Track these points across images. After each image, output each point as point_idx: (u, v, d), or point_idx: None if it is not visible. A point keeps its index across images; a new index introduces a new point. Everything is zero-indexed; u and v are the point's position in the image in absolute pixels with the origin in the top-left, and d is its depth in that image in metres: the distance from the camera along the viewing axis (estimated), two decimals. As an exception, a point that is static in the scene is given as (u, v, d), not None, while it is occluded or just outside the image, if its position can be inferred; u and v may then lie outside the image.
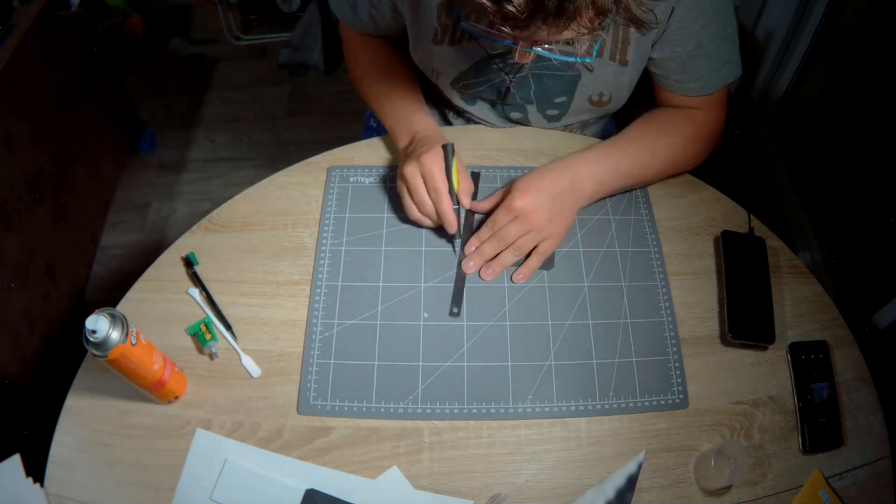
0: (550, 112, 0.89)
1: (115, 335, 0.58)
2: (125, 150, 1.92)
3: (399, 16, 0.83)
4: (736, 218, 0.85)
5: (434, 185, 0.74)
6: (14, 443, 0.66)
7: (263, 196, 0.86)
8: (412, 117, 0.85)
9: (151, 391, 0.66)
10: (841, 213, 1.54)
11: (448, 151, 0.75)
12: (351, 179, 0.87)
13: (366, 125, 1.18)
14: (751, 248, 0.80)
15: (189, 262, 0.79)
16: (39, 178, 1.44)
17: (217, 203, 0.85)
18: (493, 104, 0.91)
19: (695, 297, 0.78)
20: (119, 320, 0.59)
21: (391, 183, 0.86)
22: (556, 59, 0.62)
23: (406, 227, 0.82)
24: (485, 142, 0.91)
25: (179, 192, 1.91)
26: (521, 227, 0.75)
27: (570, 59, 0.64)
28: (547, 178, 0.76)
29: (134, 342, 0.60)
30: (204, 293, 0.77)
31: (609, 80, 0.81)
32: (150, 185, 1.92)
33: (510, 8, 0.48)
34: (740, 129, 1.88)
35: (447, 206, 0.74)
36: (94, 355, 0.58)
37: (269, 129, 2.06)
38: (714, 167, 0.90)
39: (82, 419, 0.68)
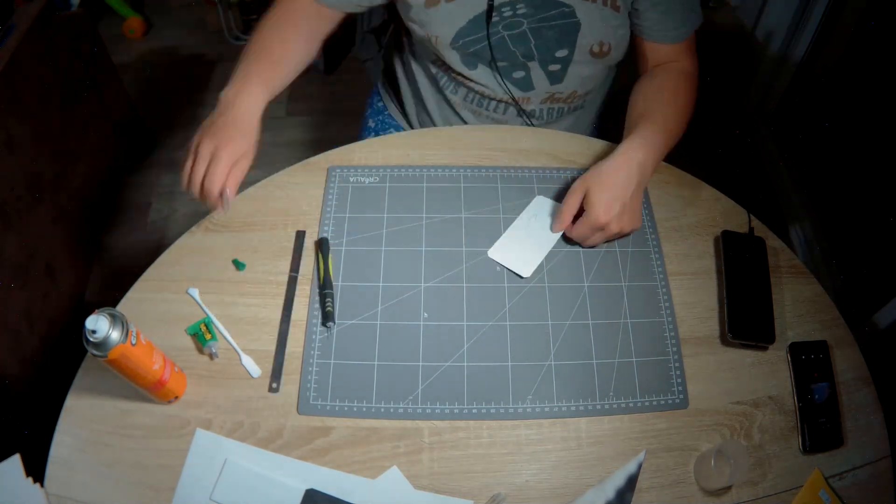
0: (553, 68, 0.90)
1: (115, 335, 0.58)
2: (125, 150, 1.92)
3: None
4: (736, 218, 0.85)
5: (214, 168, 0.73)
6: (14, 443, 0.66)
7: (263, 196, 0.86)
8: (251, 83, 0.81)
9: (151, 391, 0.66)
10: (841, 213, 1.54)
11: (324, 246, 0.78)
12: (351, 179, 0.87)
13: (364, 125, 1.18)
14: (751, 248, 0.80)
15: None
16: (39, 178, 1.44)
17: (217, 203, 0.85)
18: (493, 65, 0.90)
19: (695, 297, 0.78)
20: (119, 320, 0.59)
21: (391, 183, 0.86)
22: None
23: (406, 227, 0.82)
24: (485, 142, 0.92)
25: (179, 192, 1.90)
26: (606, 235, 0.78)
27: None
28: (621, 181, 0.76)
29: (134, 342, 0.60)
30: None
31: (606, 28, 0.84)
32: (150, 185, 1.92)
33: None
34: (740, 129, 1.88)
35: (213, 194, 0.73)
36: (94, 355, 0.58)
37: (269, 129, 2.04)
38: (714, 167, 0.90)
39: (82, 419, 0.68)
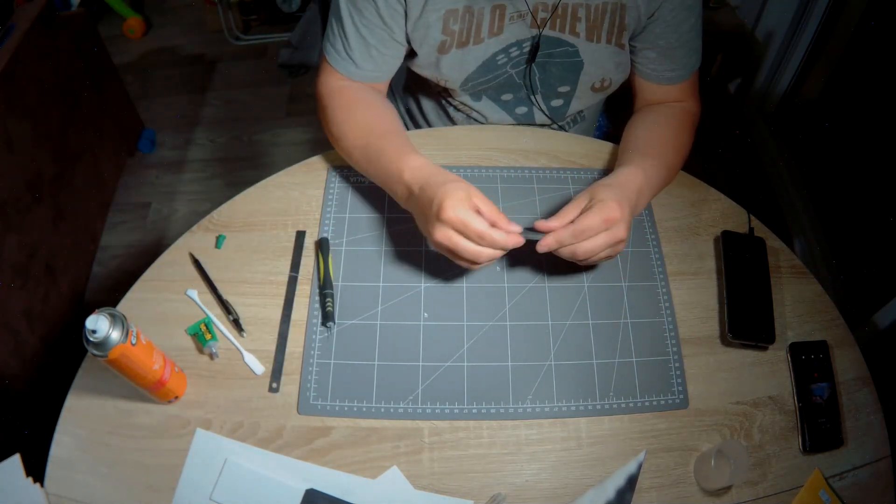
0: (555, 103, 0.91)
1: (115, 335, 0.58)
2: (125, 150, 1.92)
3: (398, 46, 0.82)
4: (736, 218, 0.85)
5: (476, 232, 0.64)
6: (14, 443, 0.66)
7: (263, 196, 0.86)
8: (404, 163, 0.73)
9: (151, 391, 0.66)
10: (841, 213, 1.54)
11: (324, 246, 0.77)
12: (351, 179, 0.87)
13: None
14: (751, 248, 0.80)
15: (196, 261, 0.79)
16: (39, 178, 1.44)
17: (217, 203, 0.85)
18: (497, 99, 0.91)
19: (695, 297, 0.78)
20: (119, 320, 0.59)
21: (391, 183, 0.86)
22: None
23: (406, 226, 0.82)
24: (485, 142, 0.91)
25: (179, 192, 1.91)
26: (607, 239, 0.67)
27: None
28: (631, 192, 0.71)
29: (134, 342, 0.60)
30: (213, 291, 0.77)
31: (609, 65, 0.84)
32: (150, 185, 1.92)
33: None
34: (740, 129, 1.88)
35: (505, 242, 0.65)
36: (95, 355, 0.58)
37: (269, 129, 2.06)
38: (714, 167, 0.90)
39: (82, 419, 0.68)
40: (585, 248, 0.67)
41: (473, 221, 0.64)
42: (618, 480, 0.65)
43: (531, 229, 0.69)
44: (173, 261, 0.80)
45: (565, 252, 0.69)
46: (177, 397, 0.69)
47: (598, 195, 0.69)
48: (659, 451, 0.68)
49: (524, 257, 0.79)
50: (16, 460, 0.65)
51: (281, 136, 2.04)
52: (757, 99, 1.87)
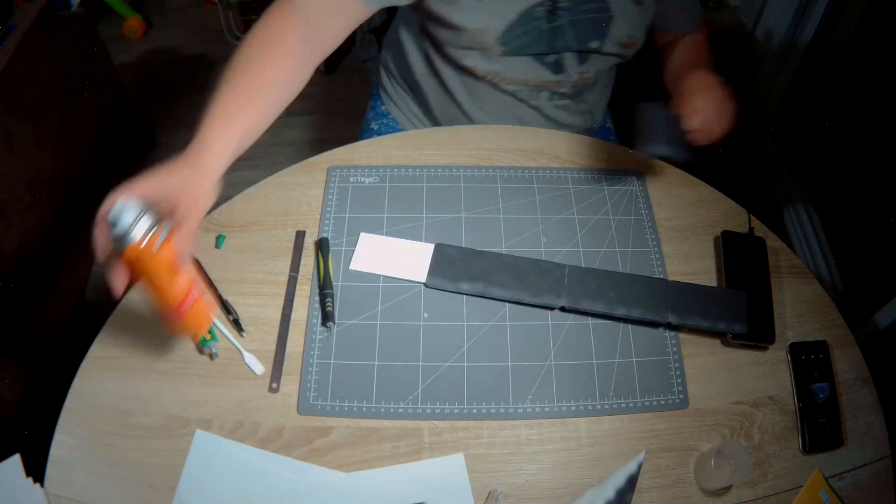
0: (583, 57, 0.92)
1: (137, 232, 0.50)
2: (125, 150, 1.92)
3: None
4: (736, 218, 0.85)
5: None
6: (14, 443, 0.66)
7: (263, 196, 0.86)
8: (215, 132, 0.67)
9: (168, 318, 0.59)
10: (841, 213, 1.54)
11: (324, 246, 0.78)
12: (351, 179, 0.87)
13: (367, 127, 1.18)
14: (751, 248, 0.80)
15: (196, 261, 0.78)
16: (39, 178, 1.44)
17: (217, 203, 0.85)
18: (533, 53, 0.89)
19: (695, 297, 0.78)
20: (148, 216, 0.51)
21: (391, 183, 0.86)
22: None
23: (406, 226, 0.82)
24: (485, 142, 0.92)
25: (179, 192, 1.91)
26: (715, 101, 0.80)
27: None
28: (712, 78, 0.82)
29: (157, 247, 0.52)
30: (213, 291, 0.77)
31: (634, 22, 0.88)
32: (150, 185, 1.92)
33: None
34: (740, 129, 1.88)
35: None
36: (114, 250, 0.52)
37: (269, 129, 2.05)
38: (714, 167, 0.90)
39: (82, 419, 0.68)
40: (705, 116, 0.78)
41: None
42: (618, 480, 0.65)
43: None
44: (173, 261, 0.80)
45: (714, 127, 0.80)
46: (196, 335, 0.63)
47: (688, 87, 0.81)
48: (659, 451, 0.68)
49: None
50: (16, 460, 0.65)
51: (281, 136, 2.04)
52: (757, 99, 1.87)
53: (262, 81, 0.70)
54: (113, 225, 0.50)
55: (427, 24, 0.89)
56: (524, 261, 0.77)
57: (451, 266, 0.77)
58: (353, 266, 0.78)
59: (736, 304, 0.74)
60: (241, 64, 0.70)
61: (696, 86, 0.81)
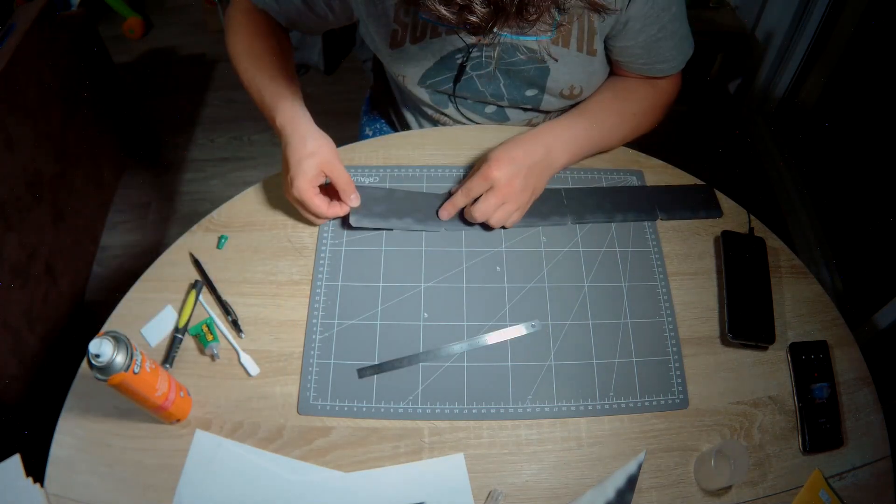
0: (524, 105, 0.90)
1: (119, 361, 0.57)
2: (125, 150, 1.92)
3: (348, 13, 0.84)
4: (736, 218, 0.85)
5: (312, 213, 0.78)
6: (14, 443, 0.66)
7: (263, 196, 0.86)
8: (277, 108, 0.82)
9: (152, 413, 0.65)
10: (841, 213, 1.54)
11: (197, 289, 0.77)
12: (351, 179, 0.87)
13: (362, 133, 1.18)
14: (751, 248, 0.80)
15: (196, 261, 0.79)
16: (39, 179, 1.44)
17: (217, 203, 0.85)
18: (464, 103, 0.90)
19: (695, 297, 0.78)
20: (123, 345, 0.57)
21: (391, 183, 0.86)
22: (519, 41, 0.69)
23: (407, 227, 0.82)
24: (485, 142, 0.91)
25: (179, 192, 1.91)
26: (496, 198, 0.76)
27: (530, 39, 0.70)
28: (521, 149, 0.78)
29: (137, 370, 0.58)
30: (212, 291, 0.77)
31: (579, 72, 0.82)
32: (150, 185, 1.92)
33: (473, 19, 0.48)
34: (740, 129, 1.88)
35: (336, 214, 0.79)
36: (96, 378, 0.57)
37: (269, 129, 2.05)
38: (714, 167, 0.90)
39: (82, 419, 0.68)
40: (479, 209, 0.76)
41: (310, 204, 0.75)
42: (618, 480, 0.65)
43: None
44: (173, 261, 0.80)
45: (469, 219, 0.79)
46: (178, 420, 0.68)
47: (489, 157, 0.78)
48: (659, 451, 0.68)
49: (525, 257, 0.80)
50: (16, 460, 0.65)
51: (281, 136, 2.04)
52: (757, 99, 1.87)
53: (275, 53, 0.85)
54: (96, 356, 0.56)
55: None
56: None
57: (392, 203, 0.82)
58: (353, 223, 0.79)
59: (707, 196, 0.85)
60: (252, 55, 0.85)
61: (488, 167, 0.76)
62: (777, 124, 1.84)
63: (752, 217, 0.84)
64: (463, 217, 0.81)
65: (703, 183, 0.87)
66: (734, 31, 1.80)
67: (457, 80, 0.85)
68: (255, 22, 0.86)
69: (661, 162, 0.90)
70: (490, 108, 0.91)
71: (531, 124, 0.94)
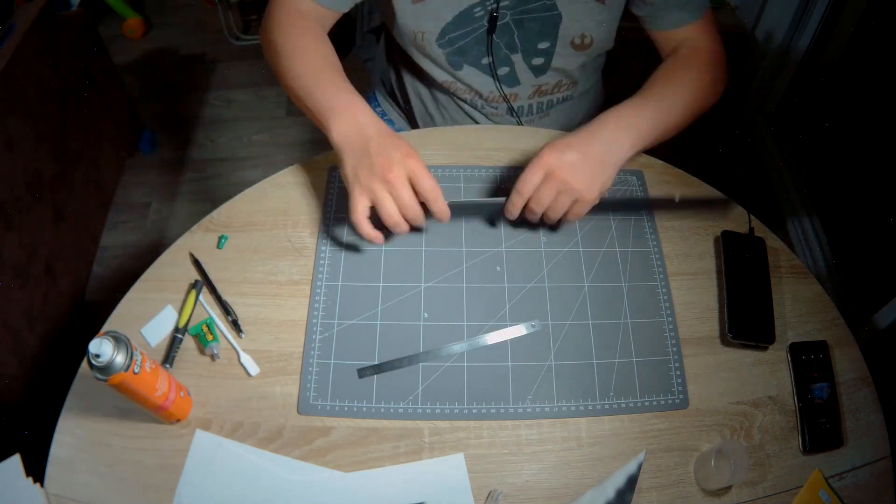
0: (536, 61, 0.90)
1: (119, 361, 0.57)
2: (125, 150, 1.92)
3: None
4: (736, 218, 0.85)
5: (428, 186, 0.68)
6: (14, 443, 0.66)
7: (263, 196, 0.86)
8: (354, 99, 0.73)
9: (152, 412, 0.65)
10: (841, 213, 1.54)
11: (198, 288, 0.76)
12: (351, 179, 0.87)
13: None
14: (751, 248, 0.80)
15: (196, 261, 0.79)
16: (39, 178, 1.44)
17: (217, 203, 0.85)
18: (479, 63, 0.90)
19: (695, 297, 0.78)
20: (123, 345, 0.57)
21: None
22: None
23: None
24: (485, 142, 0.92)
25: (179, 192, 1.91)
26: (552, 186, 0.70)
27: None
28: (579, 136, 0.72)
29: (137, 370, 0.58)
30: (212, 291, 0.77)
31: (588, 20, 0.83)
32: (150, 185, 1.92)
33: None
34: (740, 129, 1.88)
35: (442, 205, 0.69)
36: (96, 378, 0.57)
37: (269, 129, 2.06)
38: (714, 167, 0.90)
39: (82, 419, 0.68)
40: (536, 199, 0.71)
41: (426, 179, 0.67)
42: (618, 480, 0.65)
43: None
44: (173, 261, 0.80)
45: (532, 216, 0.73)
46: (178, 420, 0.68)
47: (544, 146, 0.71)
48: (659, 451, 0.68)
49: (525, 257, 0.80)
50: (16, 460, 0.65)
51: (281, 136, 2.04)
52: (757, 99, 1.87)
53: (326, 52, 0.79)
54: (96, 356, 0.56)
55: (390, 29, 0.90)
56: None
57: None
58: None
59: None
60: (306, 57, 0.77)
61: (540, 153, 0.70)
62: (777, 124, 1.84)
63: (752, 217, 0.84)
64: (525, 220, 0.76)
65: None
66: (734, 31, 1.80)
67: (490, 31, 0.83)
68: (306, 26, 0.81)
69: (661, 162, 0.90)
70: (503, 70, 0.90)
71: (540, 92, 0.94)
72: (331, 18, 0.86)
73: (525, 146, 0.91)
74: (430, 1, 0.82)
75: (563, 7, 0.82)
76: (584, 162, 0.70)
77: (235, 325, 0.74)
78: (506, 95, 0.94)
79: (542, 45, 0.87)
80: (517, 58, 0.89)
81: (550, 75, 0.92)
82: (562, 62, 0.90)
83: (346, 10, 0.86)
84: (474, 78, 0.92)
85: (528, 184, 0.70)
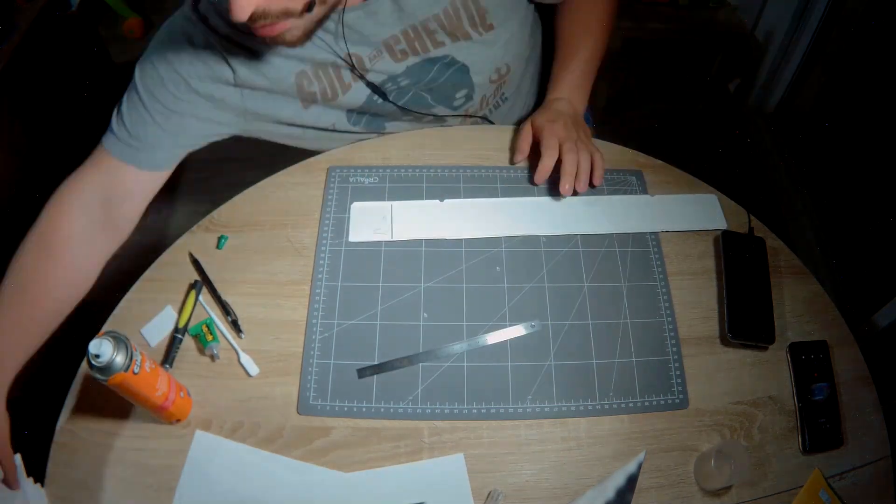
0: (457, 104, 0.89)
1: (119, 361, 0.57)
2: (125, 150, 1.92)
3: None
4: (736, 218, 0.85)
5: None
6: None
7: (263, 196, 0.86)
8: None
9: (152, 412, 0.65)
10: (841, 213, 1.54)
11: (197, 289, 0.76)
12: (351, 179, 0.87)
13: None
14: (751, 248, 0.80)
15: (196, 261, 0.79)
16: (39, 179, 1.44)
17: (217, 203, 0.85)
18: (401, 118, 0.89)
19: (695, 297, 0.78)
20: (123, 345, 0.57)
21: (391, 183, 0.86)
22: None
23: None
24: (485, 142, 0.91)
25: (179, 191, 1.91)
26: (571, 130, 0.80)
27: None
28: (550, 109, 0.84)
29: (137, 371, 0.58)
30: (212, 291, 0.77)
31: (492, 53, 0.83)
32: (150, 185, 1.92)
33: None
34: (740, 129, 1.88)
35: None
36: (95, 378, 0.57)
37: (269, 129, 2.05)
38: (714, 167, 0.90)
39: (82, 419, 0.68)
40: (572, 162, 0.78)
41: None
42: (618, 480, 0.65)
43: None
44: (173, 261, 0.80)
45: (567, 177, 0.79)
46: (178, 420, 0.68)
47: (534, 123, 0.83)
48: (659, 451, 0.68)
49: (524, 257, 0.80)
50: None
51: (281, 136, 2.03)
52: (757, 99, 1.87)
53: (42, 292, 0.74)
54: (96, 356, 0.56)
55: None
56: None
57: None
58: (353, 238, 0.80)
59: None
60: (23, 273, 0.75)
61: (545, 124, 0.81)
62: (777, 124, 1.84)
63: (752, 217, 0.84)
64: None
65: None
66: (734, 30, 1.80)
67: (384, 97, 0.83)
68: (66, 252, 0.77)
69: (660, 162, 0.90)
70: (426, 119, 0.91)
71: (467, 114, 0.93)
72: (150, 184, 0.82)
73: (525, 146, 0.91)
74: (316, 104, 0.81)
75: (462, 55, 0.81)
76: (574, 125, 0.82)
77: (235, 326, 0.74)
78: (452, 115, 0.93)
79: (460, 95, 0.87)
80: (441, 108, 0.89)
81: (473, 104, 0.91)
82: (491, 91, 0.89)
83: (169, 169, 0.83)
84: (404, 125, 0.91)
85: (549, 145, 0.79)
